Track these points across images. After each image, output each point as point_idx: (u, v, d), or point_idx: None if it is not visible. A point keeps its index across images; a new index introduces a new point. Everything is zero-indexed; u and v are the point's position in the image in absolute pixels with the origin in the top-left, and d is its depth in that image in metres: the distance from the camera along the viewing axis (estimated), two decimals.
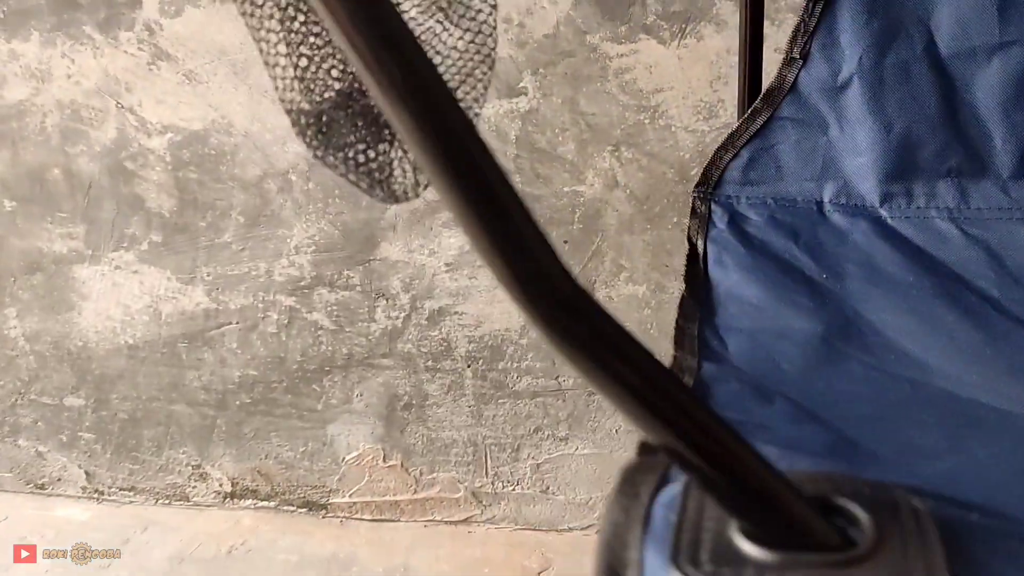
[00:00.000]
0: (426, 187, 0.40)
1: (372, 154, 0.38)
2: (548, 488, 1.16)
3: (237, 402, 1.21)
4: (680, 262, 1.05)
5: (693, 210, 0.69)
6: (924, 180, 0.67)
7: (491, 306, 1.09)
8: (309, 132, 0.35)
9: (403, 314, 1.13)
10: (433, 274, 1.10)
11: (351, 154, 0.37)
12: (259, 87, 1.07)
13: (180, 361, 1.20)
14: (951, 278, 0.61)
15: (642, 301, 1.08)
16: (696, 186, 0.71)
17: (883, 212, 0.67)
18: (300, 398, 1.19)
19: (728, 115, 1.00)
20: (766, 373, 0.52)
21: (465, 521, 1.20)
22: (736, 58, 0.74)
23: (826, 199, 0.69)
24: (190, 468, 1.26)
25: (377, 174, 0.38)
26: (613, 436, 1.15)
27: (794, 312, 0.58)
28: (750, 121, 0.70)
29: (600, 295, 1.08)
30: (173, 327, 1.18)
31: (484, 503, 1.19)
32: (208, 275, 1.15)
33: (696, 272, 0.62)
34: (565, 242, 1.05)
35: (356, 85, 0.35)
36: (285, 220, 1.11)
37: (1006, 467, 0.44)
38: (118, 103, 1.10)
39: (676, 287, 1.07)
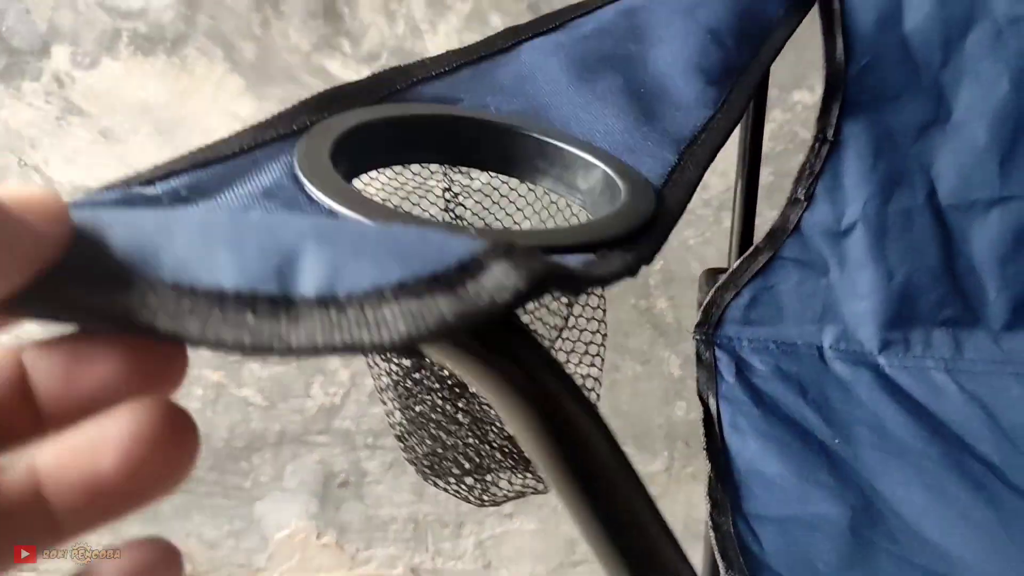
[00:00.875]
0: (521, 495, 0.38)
1: (472, 481, 0.36)
2: (491, 563, 1.14)
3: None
4: (636, 343, 1.04)
5: (699, 357, 0.67)
6: (921, 329, 0.68)
7: None
8: (420, 466, 0.32)
9: (342, 390, 1.06)
10: None
11: (454, 482, 0.35)
12: (186, 148, 0.97)
13: None
14: (955, 443, 0.62)
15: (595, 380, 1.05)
16: (697, 325, 0.69)
17: (882, 360, 0.67)
18: (226, 475, 1.11)
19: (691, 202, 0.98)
20: None
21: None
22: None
23: (826, 344, 0.68)
24: (100, 547, 1.16)
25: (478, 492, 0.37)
26: (558, 512, 1.13)
27: (819, 494, 0.57)
28: (751, 260, 0.68)
29: None
30: None
31: None
32: None
33: (715, 439, 0.61)
34: None
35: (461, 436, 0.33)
36: None
37: None
38: (21, 160, 0.98)
39: (630, 367, 1.05)
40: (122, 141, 0.97)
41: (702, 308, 0.69)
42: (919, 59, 0.64)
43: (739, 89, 0.45)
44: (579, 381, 0.34)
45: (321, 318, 0.16)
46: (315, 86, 0.92)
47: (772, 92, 0.94)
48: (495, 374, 0.19)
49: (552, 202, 0.35)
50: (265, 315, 0.16)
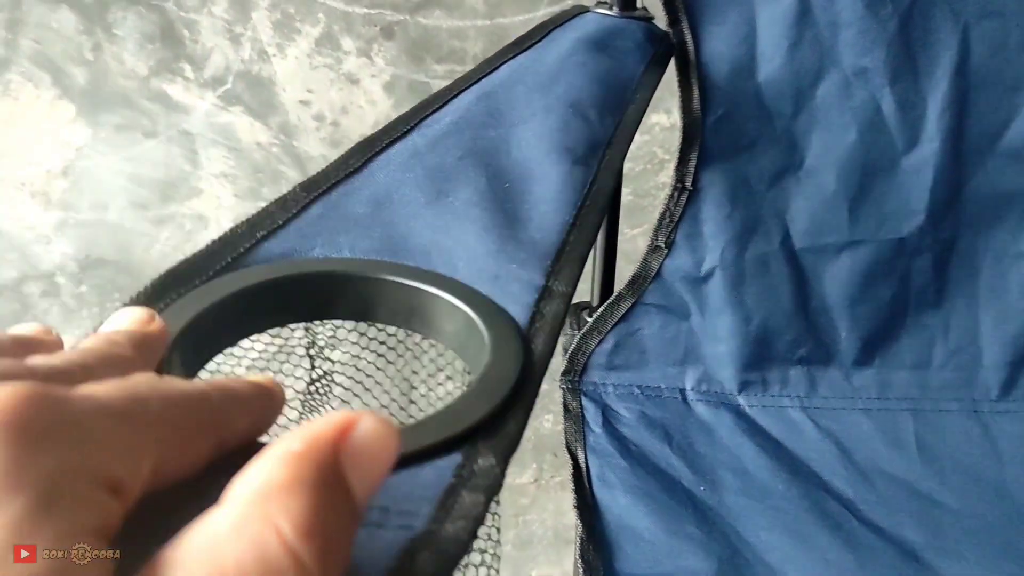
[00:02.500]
0: None
1: None
2: None
3: None
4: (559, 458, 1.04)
5: (565, 407, 0.67)
6: (778, 368, 0.70)
7: None
8: None
9: None
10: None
11: None
12: (14, 180, 0.89)
13: None
14: (812, 481, 0.64)
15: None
16: (563, 373, 0.69)
17: (741, 400, 0.69)
18: None
19: None
20: None
21: None
22: None
23: (688, 386, 0.69)
24: None
25: None
26: None
27: (687, 547, 0.58)
28: (615, 307, 0.69)
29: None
30: None
31: None
32: None
33: (584, 496, 0.61)
34: None
35: None
36: (52, 327, 0.95)
37: None
38: None
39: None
40: None
41: (567, 355, 0.69)
42: (772, 109, 0.65)
43: (607, 166, 0.44)
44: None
45: None
46: (155, 112, 0.86)
47: None
48: None
49: (417, 343, 0.33)
50: None
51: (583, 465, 0.63)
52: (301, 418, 0.35)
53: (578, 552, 0.56)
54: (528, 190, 0.39)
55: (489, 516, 0.30)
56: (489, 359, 0.28)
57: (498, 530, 0.32)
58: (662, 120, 0.96)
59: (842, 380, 0.70)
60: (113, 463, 0.16)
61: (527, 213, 0.37)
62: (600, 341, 0.69)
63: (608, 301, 0.69)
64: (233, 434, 0.20)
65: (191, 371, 0.27)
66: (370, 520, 0.21)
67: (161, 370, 0.25)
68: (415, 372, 0.34)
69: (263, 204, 0.32)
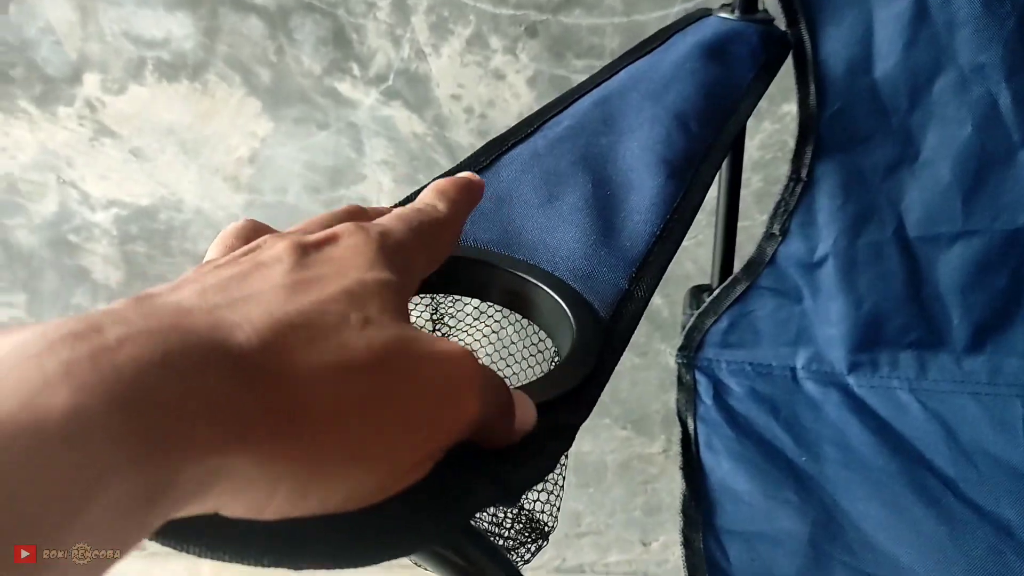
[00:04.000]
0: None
1: None
2: None
3: None
4: (634, 337, 1.10)
5: (679, 379, 0.73)
6: (888, 351, 0.73)
7: None
8: None
9: None
10: None
11: None
12: (210, 166, 1.03)
13: None
14: (915, 459, 0.68)
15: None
16: (679, 349, 0.75)
17: (851, 381, 0.73)
18: None
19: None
20: None
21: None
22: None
23: (799, 365, 0.74)
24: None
25: None
26: (565, 488, 1.21)
27: (783, 511, 0.64)
28: (730, 289, 0.74)
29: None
30: None
31: None
32: None
33: (690, 459, 0.67)
34: None
35: None
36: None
37: None
38: (59, 177, 1.05)
39: (628, 359, 1.12)
40: (151, 160, 1.03)
41: (684, 332, 0.75)
42: (888, 104, 0.68)
43: (698, 180, 0.50)
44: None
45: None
46: (327, 106, 0.98)
47: (762, 104, 0.98)
48: (444, 563, 0.25)
49: (518, 319, 0.41)
50: None
51: (692, 432, 0.69)
52: None
53: (680, 507, 0.63)
54: (626, 199, 0.46)
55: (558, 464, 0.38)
56: (573, 346, 0.36)
57: (565, 466, 0.39)
58: (793, 110, 0.99)
59: (952, 365, 0.73)
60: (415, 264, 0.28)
61: (622, 222, 0.44)
62: (716, 320, 0.75)
63: (724, 284, 0.74)
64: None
65: None
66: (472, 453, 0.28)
67: None
68: (513, 343, 0.41)
69: (418, 188, 0.41)
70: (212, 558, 0.21)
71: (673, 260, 1.11)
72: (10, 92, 1.00)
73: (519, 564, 0.37)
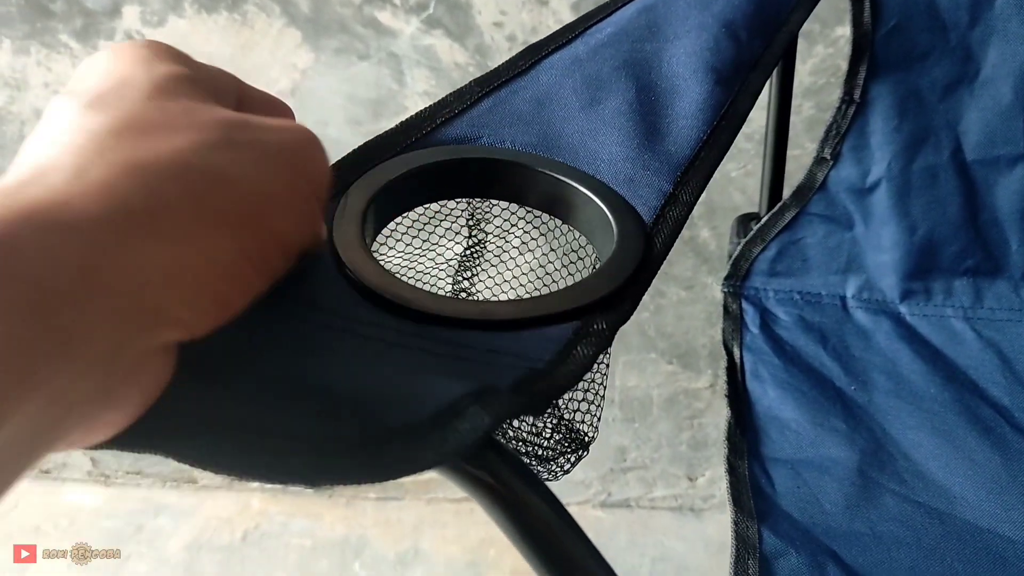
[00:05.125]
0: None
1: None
2: None
3: None
4: (680, 271, 1.09)
5: (725, 308, 0.72)
6: (943, 279, 0.71)
7: None
8: None
9: None
10: None
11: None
12: None
13: None
14: (968, 388, 0.66)
15: (642, 305, 1.11)
16: (725, 278, 0.74)
17: (903, 309, 0.71)
18: None
19: (752, 127, 1.01)
20: (814, 517, 0.58)
21: (467, 499, 1.27)
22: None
23: (849, 294, 0.72)
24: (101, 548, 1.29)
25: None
26: (609, 424, 1.21)
27: (831, 438, 0.63)
28: (779, 216, 0.72)
29: None
30: None
31: None
32: None
33: (736, 388, 0.66)
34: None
35: None
36: None
37: None
38: None
39: (674, 293, 1.11)
40: None
41: (731, 261, 0.73)
42: (947, 20, 0.65)
43: (747, 88, 0.48)
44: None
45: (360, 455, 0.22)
46: (367, 36, 0.97)
47: (814, 27, 0.95)
48: (474, 481, 0.25)
49: (557, 226, 0.40)
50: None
51: (738, 361, 0.68)
52: (457, 276, 0.43)
53: (726, 435, 0.62)
54: (671, 104, 0.44)
55: (596, 366, 0.37)
56: (615, 248, 0.35)
57: (606, 374, 0.39)
58: (846, 33, 0.95)
59: (1010, 292, 0.70)
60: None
61: (667, 127, 0.43)
62: (763, 248, 0.73)
63: (772, 210, 0.72)
64: None
65: (379, 226, 0.36)
66: (504, 362, 0.28)
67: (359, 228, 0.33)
68: (552, 250, 0.41)
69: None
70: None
71: (720, 191, 1.10)
72: (51, 27, 1.00)
73: (559, 474, 0.37)
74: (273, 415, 0.23)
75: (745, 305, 0.72)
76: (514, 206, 0.41)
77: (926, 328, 0.70)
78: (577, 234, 0.39)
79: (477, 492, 0.25)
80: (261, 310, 0.25)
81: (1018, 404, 0.66)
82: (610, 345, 0.30)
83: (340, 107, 1.02)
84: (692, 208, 0.39)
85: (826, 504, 0.59)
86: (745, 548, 0.54)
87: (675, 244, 1.07)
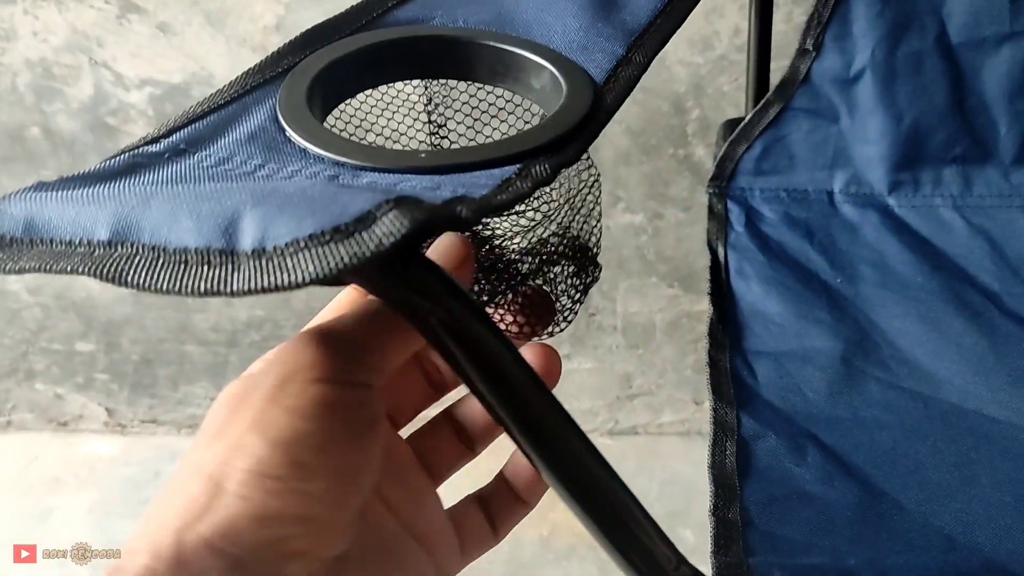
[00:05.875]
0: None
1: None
2: None
3: (247, 340, 1.24)
4: (677, 191, 1.08)
5: (710, 209, 0.71)
6: (931, 168, 0.70)
7: None
8: None
9: None
10: None
11: None
12: (236, 36, 1.02)
13: (186, 305, 1.22)
14: (956, 275, 0.65)
15: (639, 228, 1.11)
16: (710, 180, 0.73)
17: (891, 201, 0.70)
18: None
19: (723, 47, 0.99)
20: (795, 405, 0.57)
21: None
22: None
23: (836, 189, 0.71)
24: (208, 400, 1.31)
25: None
26: (613, 351, 1.21)
27: (815, 330, 0.62)
28: (762, 113, 0.71)
29: None
30: None
31: None
32: None
33: (720, 286, 0.66)
34: None
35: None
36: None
37: (1009, 498, 0.51)
38: (91, 59, 1.05)
39: (672, 214, 1.10)
40: (179, 34, 1.03)
41: (716, 162, 0.72)
42: None
43: None
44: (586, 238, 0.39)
45: (254, 266, 0.22)
46: None
47: None
48: (402, 301, 0.25)
49: (509, 100, 0.40)
50: (216, 266, 0.22)
51: (722, 260, 0.67)
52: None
53: (707, 331, 0.62)
54: None
55: (586, 186, 0.37)
56: (562, 103, 0.35)
57: (598, 198, 0.38)
58: None
59: (1000, 179, 0.69)
60: None
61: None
62: (748, 148, 0.72)
63: (755, 108, 0.71)
64: None
65: (328, 106, 0.35)
66: (444, 197, 0.28)
67: (306, 99, 0.33)
68: (505, 121, 0.40)
69: None
70: None
71: (714, 106, 1.08)
72: None
73: (578, 301, 0.37)
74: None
75: (731, 205, 0.71)
76: (467, 84, 0.41)
77: (914, 219, 0.69)
78: (525, 108, 0.39)
79: (414, 319, 0.25)
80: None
81: (1008, 289, 0.65)
82: (549, 181, 0.30)
83: None
84: (645, 69, 0.39)
85: (808, 392, 0.59)
86: (723, 432, 0.54)
87: (671, 164, 1.06)
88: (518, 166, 0.31)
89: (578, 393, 1.23)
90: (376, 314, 0.29)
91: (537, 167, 0.30)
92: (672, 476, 1.19)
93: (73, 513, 1.23)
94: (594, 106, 0.34)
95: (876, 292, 0.65)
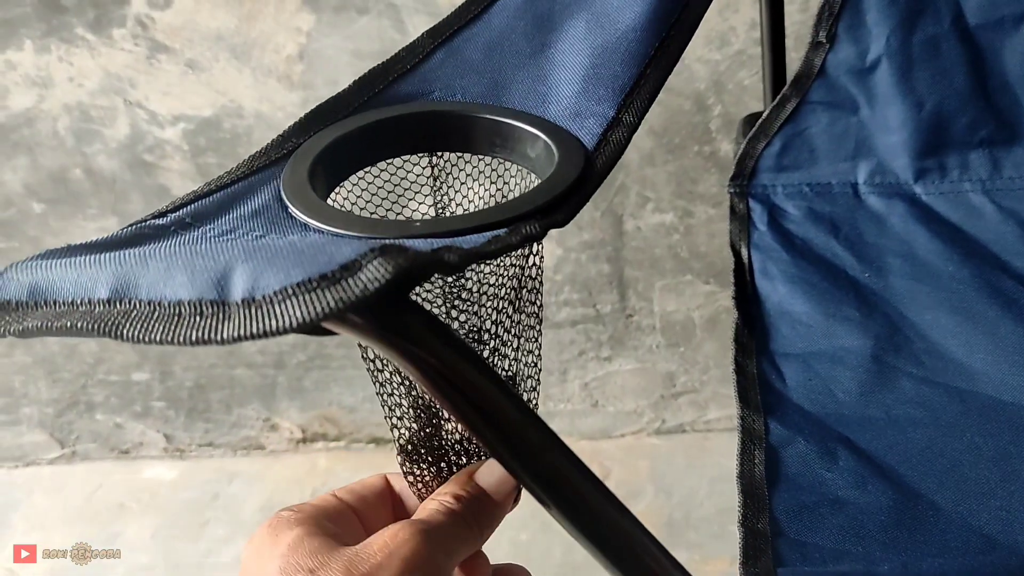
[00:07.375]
0: None
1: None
2: (597, 402, 1.24)
3: (294, 361, 1.27)
4: (705, 188, 1.07)
5: (732, 209, 0.70)
6: (957, 153, 0.68)
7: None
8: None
9: None
10: None
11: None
12: (262, 68, 1.05)
13: None
14: (989, 262, 0.64)
15: (670, 227, 1.10)
16: (731, 179, 0.72)
17: (918, 189, 0.69)
18: (353, 350, 1.24)
19: (740, 42, 0.98)
20: (825, 407, 0.57)
21: None
22: None
23: (861, 180, 0.70)
24: (260, 421, 1.34)
25: None
26: (654, 351, 1.20)
27: (844, 328, 0.61)
28: (780, 108, 0.70)
29: (628, 226, 1.10)
30: None
31: None
32: None
33: (744, 288, 0.65)
34: None
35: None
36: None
37: None
38: (125, 100, 1.08)
39: (703, 211, 1.09)
40: (206, 69, 1.05)
41: (736, 160, 0.72)
42: None
43: None
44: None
45: (245, 314, 0.23)
46: None
47: None
48: (393, 347, 0.25)
49: (506, 169, 0.41)
50: (208, 316, 0.24)
51: (745, 261, 0.67)
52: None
53: (732, 336, 0.61)
54: (621, 20, 0.44)
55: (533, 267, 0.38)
56: (553, 171, 0.36)
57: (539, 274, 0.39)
58: None
59: None
60: None
61: (616, 44, 0.43)
62: (767, 144, 0.71)
63: (772, 104, 0.70)
64: None
65: (332, 183, 0.37)
66: (433, 247, 0.28)
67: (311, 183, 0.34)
68: (512, 190, 0.41)
69: None
70: None
71: (735, 101, 1.07)
72: (67, 22, 1.03)
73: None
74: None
75: (752, 203, 0.70)
76: (475, 158, 0.42)
77: (942, 206, 0.67)
78: (522, 176, 0.40)
79: (403, 361, 0.25)
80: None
81: None
82: (535, 240, 0.31)
83: (348, 64, 1.03)
84: (636, 128, 0.40)
85: (839, 393, 0.58)
86: (751, 440, 0.54)
87: (697, 162, 1.05)
88: (507, 229, 0.32)
89: (621, 395, 1.23)
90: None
91: (527, 226, 0.31)
92: (722, 473, 1.18)
93: (139, 538, 1.27)
94: (584, 172, 0.35)
95: (906, 284, 0.64)
